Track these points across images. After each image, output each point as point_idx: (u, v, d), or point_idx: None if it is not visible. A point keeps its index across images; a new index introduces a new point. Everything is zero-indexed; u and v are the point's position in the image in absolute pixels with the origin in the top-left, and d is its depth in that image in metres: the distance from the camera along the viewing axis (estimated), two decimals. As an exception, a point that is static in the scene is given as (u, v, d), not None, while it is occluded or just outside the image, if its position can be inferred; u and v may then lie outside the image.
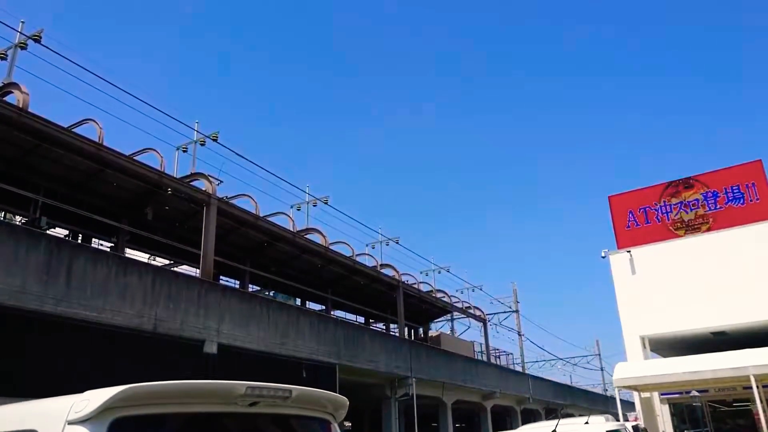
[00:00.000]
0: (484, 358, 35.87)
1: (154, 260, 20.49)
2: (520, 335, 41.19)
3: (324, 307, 27.24)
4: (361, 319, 31.35)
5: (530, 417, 35.92)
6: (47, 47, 13.82)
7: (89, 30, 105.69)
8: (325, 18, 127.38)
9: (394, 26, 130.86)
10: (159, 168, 16.04)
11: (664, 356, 19.73)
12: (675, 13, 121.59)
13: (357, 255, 25.48)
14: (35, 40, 13.95)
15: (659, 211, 20.23)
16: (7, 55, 14.18)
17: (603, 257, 19.51)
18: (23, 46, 14.02)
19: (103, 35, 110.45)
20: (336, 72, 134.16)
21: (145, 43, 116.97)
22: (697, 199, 19.68)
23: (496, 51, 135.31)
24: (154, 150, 16.50)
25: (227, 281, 22.61)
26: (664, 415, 16.71)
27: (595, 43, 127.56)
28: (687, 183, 20.18)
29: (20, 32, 13.98)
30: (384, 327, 32.33)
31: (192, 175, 17.57)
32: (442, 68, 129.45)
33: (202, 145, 18.24)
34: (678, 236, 19.12)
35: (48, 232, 14.77)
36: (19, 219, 16.35)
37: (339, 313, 28.84)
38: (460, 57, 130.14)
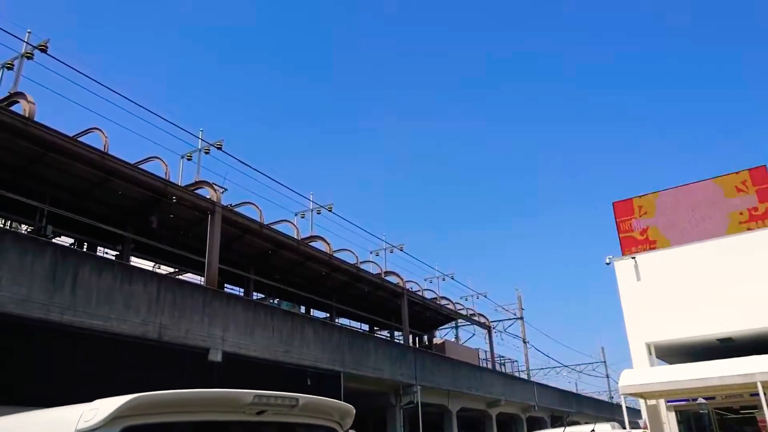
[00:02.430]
0: (489, 366, 35.76)
1: (158, 268, 20.53)
2: (525, 342, 41.09)
3: (328, 315, 27.22)
4: (366, 327, 31.32)
5: (536, 425, 35.72)
6: (53, 57, 13.94)
7: (92, 39, 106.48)
8: (330, 31, 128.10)
9: (395, 41, 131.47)
10: (164, 176, 16.11)
11: (670, 363, 19.63)
12: (671, 26, 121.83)
13: (361, 262, 25.48)
14: (41, 50, 14.06)
15: (663, 217, 20.19)
16: (14, 65, 14.30)
17: (608, 264, 19.46)
18: (30, 56, 14.14)
19: (106, 45, 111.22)
20: (338, 84, 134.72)
21: (149, 52, 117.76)
22: (701, 205, 19.65)
23: (495, 63, 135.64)
24: (159, 158, 16.58)
25: (232, 289, 22.63)
26: (670, 423, 16.61)
27: (594, 56, 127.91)
28: (691, 188, 20.16)
29: (27, 42, 14.11)
30: (388, 334, 32.28)
31: (196, 183, 17.63)
32: (444, 80, 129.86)
33: (206, 153, 18.32)
34: (682, 242, 19.07)
35: (53, 240, 14.84)
36: (25, 228, 16.43)
37: (343, 321, 28.83)
38: (461, 70, 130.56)
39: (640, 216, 20.59)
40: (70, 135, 14.15)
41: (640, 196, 21.04)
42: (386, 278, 26.63)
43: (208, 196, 17.12)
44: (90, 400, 2.53)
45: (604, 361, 57.09)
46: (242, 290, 22.68)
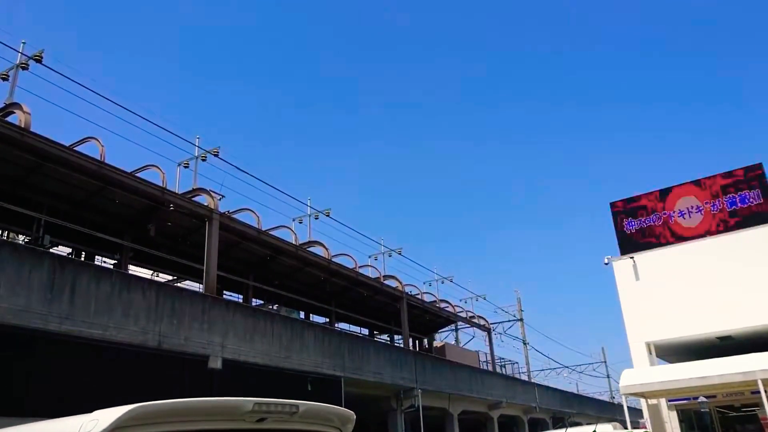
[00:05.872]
0: (490, 368, 35.71)
1: (157, 276, 20.49)
2: (525, 344, 41.06)
3: (328, 320, 27.18)
4: (365, 331, 31.26)
5: (537, 426, 35.70)
6: (48, 67, 13.94)
7: (86, 49, 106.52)
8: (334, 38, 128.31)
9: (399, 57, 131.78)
10: (161, 184, 16.09)
11: (671, 362, 19.65)
12: (657, 42, 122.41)
13: (360, 267, 25.46)
14: (36, 61, 14.06)
15: (661, 216, 20.22)
16: (8, 76, 14.29)
17: (606, 264, 19.50)
18: (25, 67, 14.13)
19: (100, 52, 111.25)
20: (336, 93, 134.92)
21: (146, 60, 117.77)
22: (699, 204, 19.68)
23: (493, 79, 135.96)
24: (156, 166, 16.55)
25: (230, 296, 22.59)
26: (672, 422, 16.61)
27: (590, 68, 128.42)
28: (687, 187, 20.19)
29: (21, 53, 14.10)
30: (388, 338, 32.23)
31: (194, 190, 17.61)
32: (446, 91, 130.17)
33: (203, 160, 18.32)
34: (680, 241, 19.10)
35: (51, 250, 14.80)
36: (23, 238, 16.39)
37: (343, 326, 28.79)
38: (459, 86, 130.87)
39: (638, 216, 20.62)
40: (67, 144, 14.13)
41: (637, 196, 21.08)
42: (385, 282, 26.61)
43: (205, 204, 17.09)
44: (90, 410, 2.52)
45: (605, 362, 57.09)
46: (241, 297, 22.65)
